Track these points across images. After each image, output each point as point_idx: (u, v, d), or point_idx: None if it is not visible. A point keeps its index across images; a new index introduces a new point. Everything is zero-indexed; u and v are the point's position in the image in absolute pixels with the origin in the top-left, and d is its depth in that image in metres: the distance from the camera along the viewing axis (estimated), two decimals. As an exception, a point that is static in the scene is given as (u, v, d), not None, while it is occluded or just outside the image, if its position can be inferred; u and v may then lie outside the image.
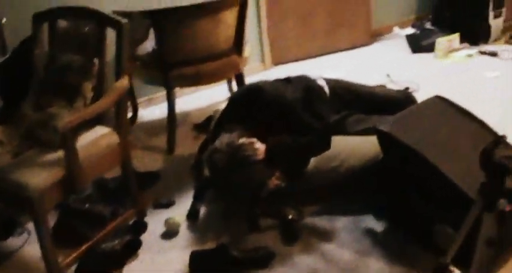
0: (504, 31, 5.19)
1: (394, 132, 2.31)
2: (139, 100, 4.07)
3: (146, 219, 2.76)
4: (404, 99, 3.06)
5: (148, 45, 3.46)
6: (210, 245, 2.51)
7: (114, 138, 2.52)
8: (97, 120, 2.46)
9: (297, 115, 2.62)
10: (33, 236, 2.46)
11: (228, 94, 4.04)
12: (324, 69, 4.59)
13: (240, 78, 3.73)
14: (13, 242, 2.67)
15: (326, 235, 2.53)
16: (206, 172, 2.69)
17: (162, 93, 3.78)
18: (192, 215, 2.76)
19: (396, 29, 5.42)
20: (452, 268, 1.83)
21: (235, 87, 3.93)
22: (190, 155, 3.28)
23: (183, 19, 3.24)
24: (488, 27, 5.02)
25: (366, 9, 5.31)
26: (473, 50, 4.85)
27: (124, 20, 2.45)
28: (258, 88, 2.70)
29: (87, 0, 2.76)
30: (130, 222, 2.70)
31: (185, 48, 3.32)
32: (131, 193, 2.70)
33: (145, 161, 3.39)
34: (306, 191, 2.75)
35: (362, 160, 2.64)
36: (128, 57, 2.51)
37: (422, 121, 2.40)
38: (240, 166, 2.42)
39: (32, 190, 2.13)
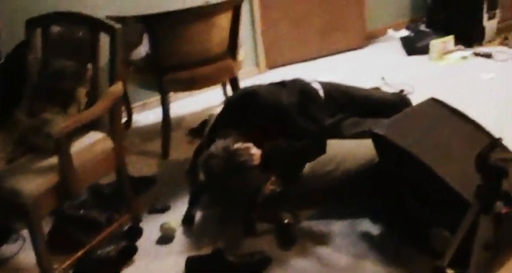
0: (498, 32, 5.19)
1: (389, 135, 2.30)
2: (134, 105, 4.07)
3: (141, 224, 2.75)
4: (399, 101, 3.07)
5: (142, 49, 3.45)
6: (205, 250, 2.50)
7: (109, 143, 2.51)
8: (91, 125, 2.46)
9: (292, 119, 2.61)
10: (28, 243, 2.44)
11: (222, 99, 4.03)
12: (318, 72, 4.59)
13: (234, 82, 3.72)
14: (8, 248, 2.66)
15: (322, 239, 2.52)
16: (201, 176, 2.68)
17: (156, 98, 3.77)
18: (187, 220, 2.75)
19: (391, 32, 5.41)
20: (449, 271, 1.83)
21: (230, 91, 3.91)
22: (185, 160, 3.27)
23: (177, 23, 3.23)
24: (482, 29, 5.03)
25: (360, 12, 5.31)
26: (468, 52, 4.86)
27: (117, 25, 2.45)
28: (253, 93, 2.69)
29: (81, 5, 2.75)
30: (126, 228, 2.69)
31: (179, 52, 3.31)
32: (126, 199, 2.69)
33: (140, 166, 3.38)
34: (301, 195, 2.74)
35: (357, 163, 2.64)
36: (121, 62, 2.50)
37: (418, 123, 2.40)
38: (236, 171, 2.42)
39: (27, 197, 2.12)
